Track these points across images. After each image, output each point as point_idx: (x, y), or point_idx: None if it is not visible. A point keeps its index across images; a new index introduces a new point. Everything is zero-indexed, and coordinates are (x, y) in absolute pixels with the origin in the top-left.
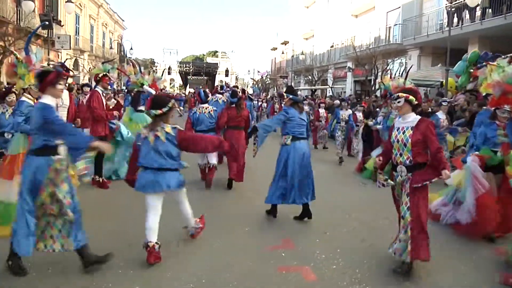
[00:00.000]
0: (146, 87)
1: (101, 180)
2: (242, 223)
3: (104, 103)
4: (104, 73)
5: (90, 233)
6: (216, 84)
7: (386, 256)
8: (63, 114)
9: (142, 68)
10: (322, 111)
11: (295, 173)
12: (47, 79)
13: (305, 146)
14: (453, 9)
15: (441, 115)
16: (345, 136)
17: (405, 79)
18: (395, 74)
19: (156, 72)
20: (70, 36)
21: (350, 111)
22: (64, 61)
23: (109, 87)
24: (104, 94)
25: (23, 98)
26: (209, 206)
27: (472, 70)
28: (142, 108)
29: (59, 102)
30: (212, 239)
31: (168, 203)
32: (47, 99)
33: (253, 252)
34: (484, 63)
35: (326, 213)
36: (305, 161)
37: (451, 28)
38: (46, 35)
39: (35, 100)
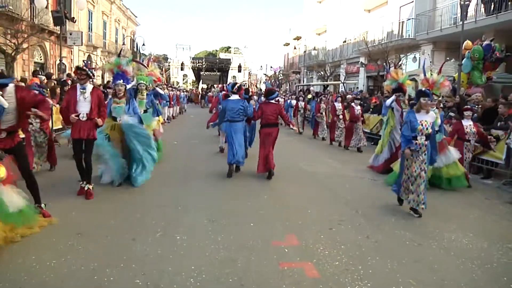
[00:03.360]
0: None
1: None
2: (247, 217)
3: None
4: (76, 66)
5: (93, 227)
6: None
7: (390, 254)
8: None
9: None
10: (338, 105)
11: None
12: None
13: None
14: (467, 3)
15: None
16: (428, 163)
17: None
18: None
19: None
20: (82, 32)
21: (434, 114)
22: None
23: (121, 81)
24: (81, 90)
25: None
26: (213, 199)
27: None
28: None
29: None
30: (216, 234)
31: (177, 197)
32: None
33: (257, 247)
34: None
35: (334, 208)
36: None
37: (465, 22)
38: (59, 32)
39: None
